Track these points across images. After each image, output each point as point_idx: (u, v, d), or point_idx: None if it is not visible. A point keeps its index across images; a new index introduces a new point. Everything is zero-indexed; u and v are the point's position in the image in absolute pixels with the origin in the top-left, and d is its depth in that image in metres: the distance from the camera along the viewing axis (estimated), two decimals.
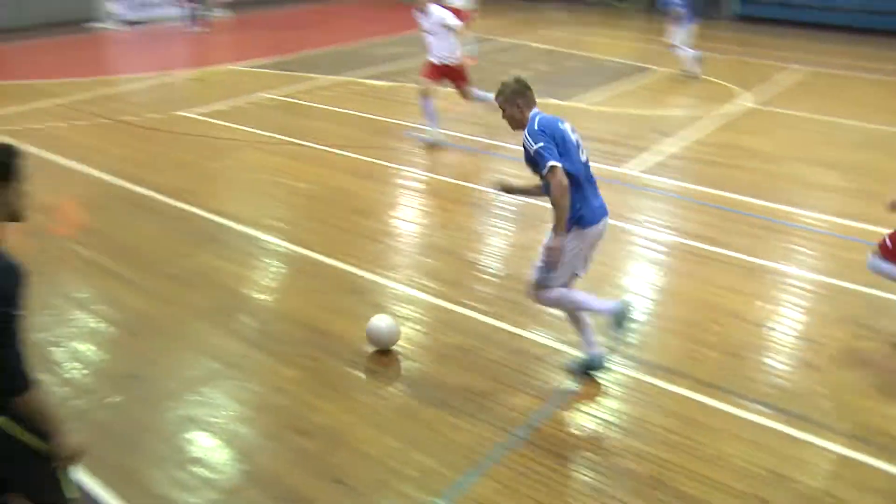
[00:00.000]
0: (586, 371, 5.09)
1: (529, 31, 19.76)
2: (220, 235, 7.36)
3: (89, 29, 21.04)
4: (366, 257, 6.85)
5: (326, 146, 10.06)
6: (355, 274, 6.56)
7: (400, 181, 8.91)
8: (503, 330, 5.68)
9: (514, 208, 8.04)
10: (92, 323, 5.82)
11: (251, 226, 7.54)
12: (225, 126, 11.10)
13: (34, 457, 2.94)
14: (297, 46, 17.85)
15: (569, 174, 4.55)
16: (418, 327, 5.73)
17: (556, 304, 4.93)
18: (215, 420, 4.72)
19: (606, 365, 5.12)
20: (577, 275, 4.88)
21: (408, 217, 7.92)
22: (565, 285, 4.84)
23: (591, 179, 4.78)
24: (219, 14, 23.50)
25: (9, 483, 3.00)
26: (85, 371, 5.23)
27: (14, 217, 2.80)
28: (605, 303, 4.88)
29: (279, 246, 7.14)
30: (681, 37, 14.46)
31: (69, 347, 5.50)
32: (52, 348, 5.48)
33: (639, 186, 8.74)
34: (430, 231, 7.51)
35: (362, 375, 5.17)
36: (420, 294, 6.21)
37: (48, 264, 6.77)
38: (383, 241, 7.23)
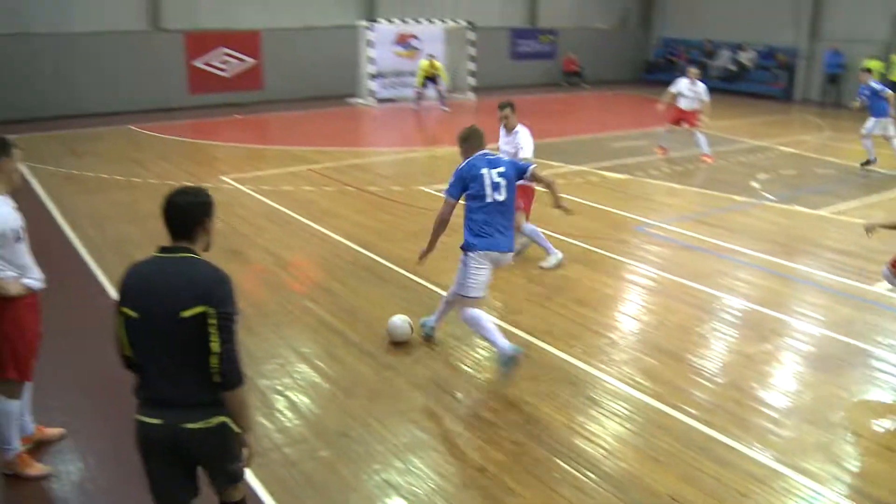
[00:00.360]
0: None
1: (777, 134, 19.11)
2: (433, 301, 7.66)
3: (350, 104, 23.23)
4: (583, 348, 6.88)
5: (557, 233, 10.25)
6: (570, 363, 6.60)
7: (627, 275, 8.89)
8: (719, 441, 5.46)
9: (740, 314, 7.75)
10: (313, 377, 6.30)
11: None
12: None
13: (239, 455, 3.61)
14: (537, 133, 18.44)
15: (479, 207, 6.35)
16: (629, 426, 5.65)
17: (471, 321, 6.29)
18: (416, 490, 4.90)
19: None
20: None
21: (631, 312, 7.87)
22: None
23: (494, 215, 6.34)
24: (463, 97, 25.03)
25: (213, 478, 3.69)
26: (299, 422, 5.67)
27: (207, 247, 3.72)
28: (503, 342, 6.11)
29: (499, 326, 7.33)
30: (867, 127, 15.16)
31: (289, 397, 5.98)
32: (275, 396, 6.00)
33: (890, 307, 8.10)
34: (653, 329, 7.40)
35: (566, 466, 5.16)
36: (634, 392, 6.13)
37: (282, 316, 7.46)
38: (603, 334, 7.23)
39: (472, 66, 25.59)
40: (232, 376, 3.40)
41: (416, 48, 25.12)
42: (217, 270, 3.52)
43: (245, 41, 23.17)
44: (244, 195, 12.15)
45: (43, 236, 9.38)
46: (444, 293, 8.05)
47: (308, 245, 9.79)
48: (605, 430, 5.57)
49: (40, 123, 18.74)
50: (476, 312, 6.31)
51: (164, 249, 3.55)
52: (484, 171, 6.37)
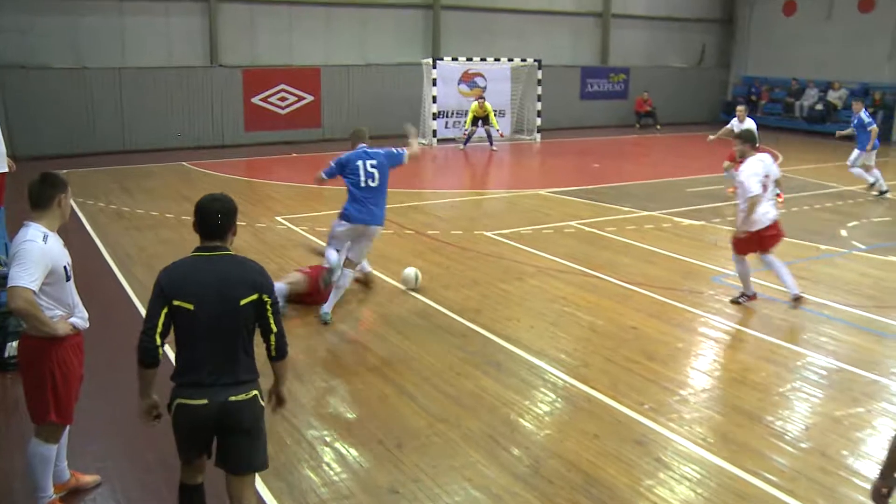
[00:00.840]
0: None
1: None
2: (502, 360, 7.68)
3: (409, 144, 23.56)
4: (652, 405, 6.75)
5: (625, 282, 10.18)
6: (638, 421, 6.48)
7: (701, 328, 8.72)
8: None
9: (827, 374, 7.52)
10: (364, 429, 6.29)
11: (535, 354, 7.79)
12: (523, 250, 11.70)
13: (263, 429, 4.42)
14: (608, 176, 18.47)
15: (350, 187, 8.71)
16: (701, 491, 5.49)
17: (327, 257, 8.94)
18: None
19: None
20: (338, 250, 8.95)
21: (705, 368, 7.70)
22: (337, 251, 8.94)
23: (366, 197, 8.68)
24: (529, 138, 25.18)
25: (238, 453, 4.33)
26: (347, 475, 5.65)
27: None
28: (332, 261, 8.84)
29: (561, 379, 7.27)
30: (852, 158, 16.86)
31: (337, 449, 5.98)
32: (323, 447, 6.01)
33: None
34: (729, 387, 7.22)
35: None
36: (708, 455, 5.97)
37: (334, 363, 7.50)
38: (674, 390, 7.09)
39: (539, 106, 25.74)
40: (284, 350, 4.45)
41: (480, 87, 25.41)
42: (258, 264, 4.41)
43: (304, 78, 23.75)
44: (298, 237, 12.33)
45: (89, 274, 9.67)
46: (506, 343, 8.03)
47: (364, 291, 9.86)
48: (674, 496, 5.43)
49: (92, 158, 19.44)
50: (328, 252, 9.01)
51: (203, 249, 4.36)
52: (359, 162, 8.77)
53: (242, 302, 4.20)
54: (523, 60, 25.75)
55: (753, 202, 8.85)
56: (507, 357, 7.76)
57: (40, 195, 4.81)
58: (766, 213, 9.07)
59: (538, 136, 25.63)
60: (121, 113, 21.07)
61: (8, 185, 10.11)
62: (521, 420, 6.49)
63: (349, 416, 6.52)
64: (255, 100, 23.13)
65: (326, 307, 8.75)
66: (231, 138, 22.57)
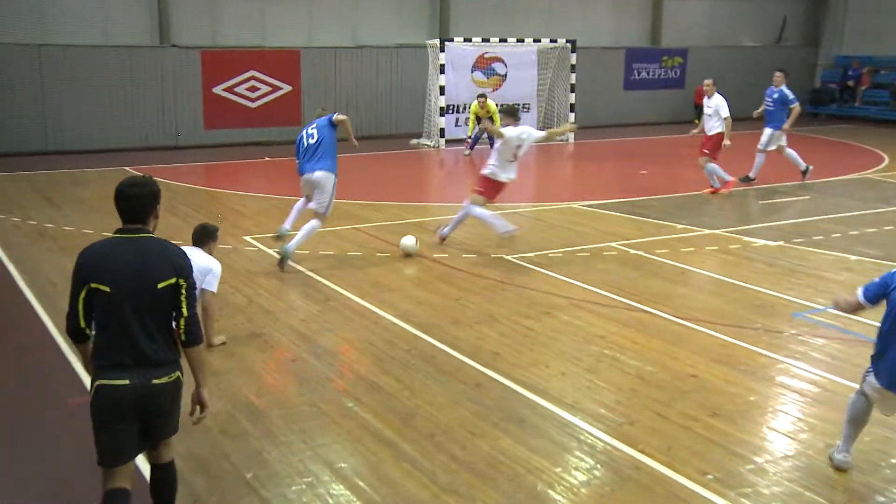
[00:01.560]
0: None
1: None
2: (527, 415, 7.63)
3: (413, 146, 23.67)
4: (719, 475, 6.68)
5: (681, 318, 10.14)
6: (700, 495, 6.41)
7: (780, 378, 8.66)
8: None
9: None
10: (353, 503, 6.24)
11: (568, 409, 7.74)
12: (551, 277, 11.69)
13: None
14: (659, 186, 18.47)
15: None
16: None
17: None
18: None
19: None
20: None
21: (786, 429, 7.63)
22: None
23: (305, 156, 12.31)
24: (561, 139, 25.22)
25: (159, 431, 5.29)
26: None
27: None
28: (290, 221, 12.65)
29: (601, 441, 7.22)
30: (763, 141, 18.77)
31: None
32: None
33: None
34: (820, 455, 7.13)
35: None
36: None
37: (314, 420, 7.48)
38: (747, 457, 7.02)
39: (572, 98, 25.81)
40: (195, 336, 5.22)
41: (500, 75, 25.51)
42: (179, 247, 5.33)
43: (280, 63, 23.94)
44: (272, 261, 12.38)
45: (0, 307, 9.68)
46: (531, 395, 7.99)
47: (352, 327, 9.86)
48: None
49: (5, 161, 19.49)
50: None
51: (125, 231, 5.16)
52: (303, 132, 12.73)
53: (160, 285, 5.02)
54: (553, 41, 25.87)
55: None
56: (533, 412, 7.71)
57: None
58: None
59: (571, 135, 25.70)
60: (41, 104, 21.13)
61: None
62: (550, 492, 6.43)
63: (334, 486, 6.47)
64: (218, 90, 23.31)
65: (287, 225, 12.69)
66: (187, 138, 22.74)
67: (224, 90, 23.26)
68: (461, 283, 11.49)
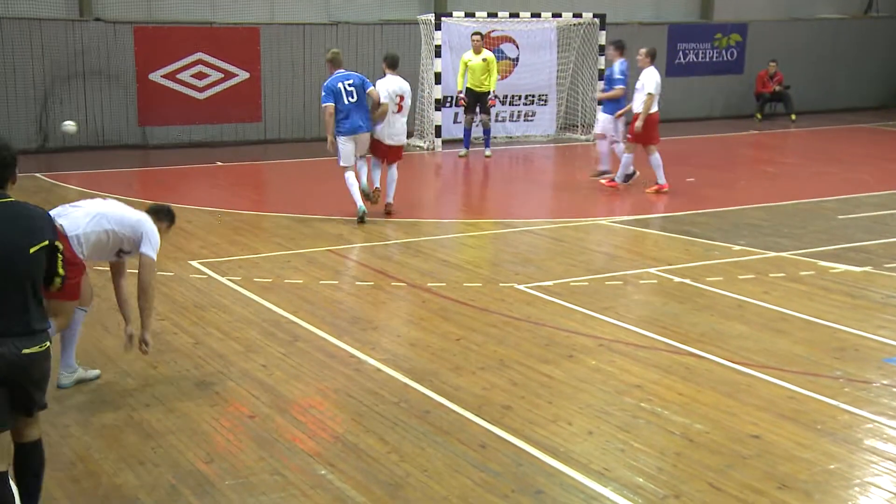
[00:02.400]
0: None
1: None
2: (545, 485, 7.62)
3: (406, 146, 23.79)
4: None
5: (739, 363, 10.16)
6: None
7: (868, 441, 8.66)
8: None
9: None
10: None
11: (596, 478, 7.74)
12: (574, 311, 11.71)
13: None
14: (711, 197, 18.53)
15: (338, 109, 16.23)
16: None
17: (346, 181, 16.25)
18: None
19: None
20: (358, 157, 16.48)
21: (877, 502, 7.65)
22: (350, 168, 16.48)
23: (358, 113, 16.25)
24: (586, 138, 25.34)
25: (28, 403, 6.11)
26: None
27: None
28: (358, 197, 16.17)
29: None
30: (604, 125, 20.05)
31: None
32: None
33: None
34: None
35: None
36: None
37: (277, 491, 7.47)
38: None
39: (600, 86, 25.89)
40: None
41: (511, 59, 25.60)
42: (42, 208, 6.42)
43: (235, 43, 24.03)
44: (225, 291, 12.42)
45: None
46: (549, 459, 8.01)
47: (326, 374, 9.84)
48: None
49: None
50: (347, 175, 16.30)
51: None
52: (339, 84, 15.98)
53: (33, 249, 5.93)
54: (577, 16, 25.92)
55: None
56: (552, 481, 7.70)
57: None
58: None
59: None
60: None
61: None
62: None
63: None
64: (156, 76, 23.40)
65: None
66: (115, 136, 22.79)
67: (163, 77, 23.29)
68: (463, 320, 11.50)
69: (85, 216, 9.18)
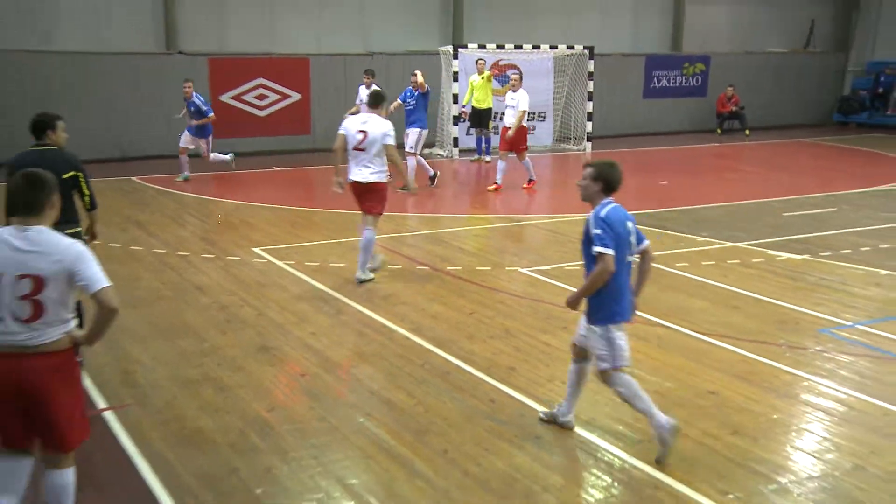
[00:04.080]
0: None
1: None
2: (543, 432, 7.67)
3: (426, 155, 23.78)
4: (740, 495, 6.72)
5: (701, 333, 10.18)
6: None
7: (803, 396, 8.68)
8: None
9: None
10: None
11: (585, 426, 7.78)
12: (567, 290, 11.62)
13: None
14: (680, 197, 18.50)
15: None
16: None
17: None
18: None
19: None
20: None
21: (811, 448, 7.64)
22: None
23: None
24: (578, 148, 25.34)
25: None
26: None
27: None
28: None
29: (619, 458, 7.26)
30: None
31: None
32: None
33: None
34: (847, 476, 7.14)
35: None
36: None
37: (325, 435, 7.54)
38: (770, 477, 7.04)
39: (590, 106, 25.86)
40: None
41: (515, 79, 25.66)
42: (71, 153, 8.91)
43: (289, 70, 24.08)
44: (282, 273, 12.48)
45: None
46: (541, 408, 8.03)
47: (364, 341, 9.94)
48: None
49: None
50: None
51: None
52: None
53: (65, 176, 8.13)
54: (570, 48, 25.92)
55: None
56: (549, 429, 7.74)
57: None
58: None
59: (588, 145, 25.81)
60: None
61: None
62: None
63: (346, 503, 6.54)
64: (226, 98, 23.46)
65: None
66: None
67: (232, 98, 23.41)
68: (476, 297, 11.56)
69: None
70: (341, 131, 11.97)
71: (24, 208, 5.41)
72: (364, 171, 11.89)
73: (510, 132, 18.61)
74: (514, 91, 18.86)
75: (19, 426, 5.45)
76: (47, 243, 5.40)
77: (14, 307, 5.30)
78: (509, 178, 19.44)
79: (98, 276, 5.48)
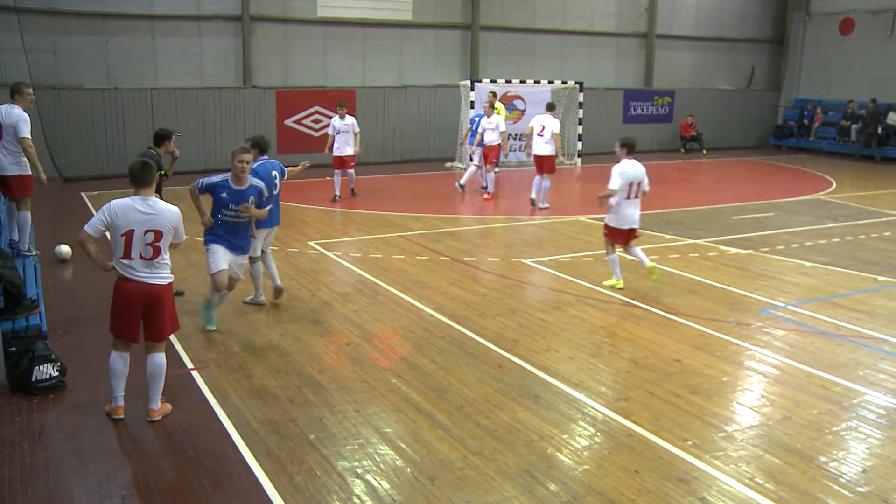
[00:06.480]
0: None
1: None
2: (540, 392, 7.67)
3: (447, 168, 23.72)
4: (696, 441, 6.70)
5: (668, 312, 10.14)
6: (681, 458, 6.43)
7: (748, 362, 8.64)
8: None
9: (885, 413, 7.39)
10: (396, 461, 6.32)
11: (574, 387, 7.77)
12: (563, 278, 11.70)
13: None
14: (651, 203, 18.31)
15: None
16: None
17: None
18: None
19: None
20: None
21: (752, 404, 7.62)
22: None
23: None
24: (570, 163, 25.21)
25: None
26: None
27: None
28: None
29: (601, 413, 7.25)
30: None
31: (369, 482, 6.01)
32: (354, 479, 6.04)
33: None
34: (778, 424, 7.13)
35: None
36: (755, 495, 5.90)
37: (364, 392, 7.55)
38: (719, 427, 7.02)
39: (580, 129, 25.80)
40: None
41: (520, 110, 25.53)
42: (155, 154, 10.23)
43: (339, 100, 23.92)
44: (331, 261, 12.47)
45: None
46: (544, 375, 8.02)
47: (396, 317, 9.93)
48: None
49: (122, 180, 19.72)
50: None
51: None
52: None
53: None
54: (564, 83, 25.82)
55: None
56: (545, 389, 7.75)
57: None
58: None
59: (579, 160, 25.66)
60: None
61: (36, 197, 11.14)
62: (558, 455, 6.47)
63: (381, 447, 6.54)
64: (289, 122, 23.46)
65: None
66: None
67: (293, 122, 23.39)
68: (487, 282, 11.52)
69: None
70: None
71: (140, 182, 6.66)
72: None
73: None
74: (488, 117, 18.60)
75: (139, 326, 6.78)
76: (161, 209, 6.73)
77: (142, 250, 6.63)
78: (522, 186, 19.35)
79: (183, 234, 6.99)
